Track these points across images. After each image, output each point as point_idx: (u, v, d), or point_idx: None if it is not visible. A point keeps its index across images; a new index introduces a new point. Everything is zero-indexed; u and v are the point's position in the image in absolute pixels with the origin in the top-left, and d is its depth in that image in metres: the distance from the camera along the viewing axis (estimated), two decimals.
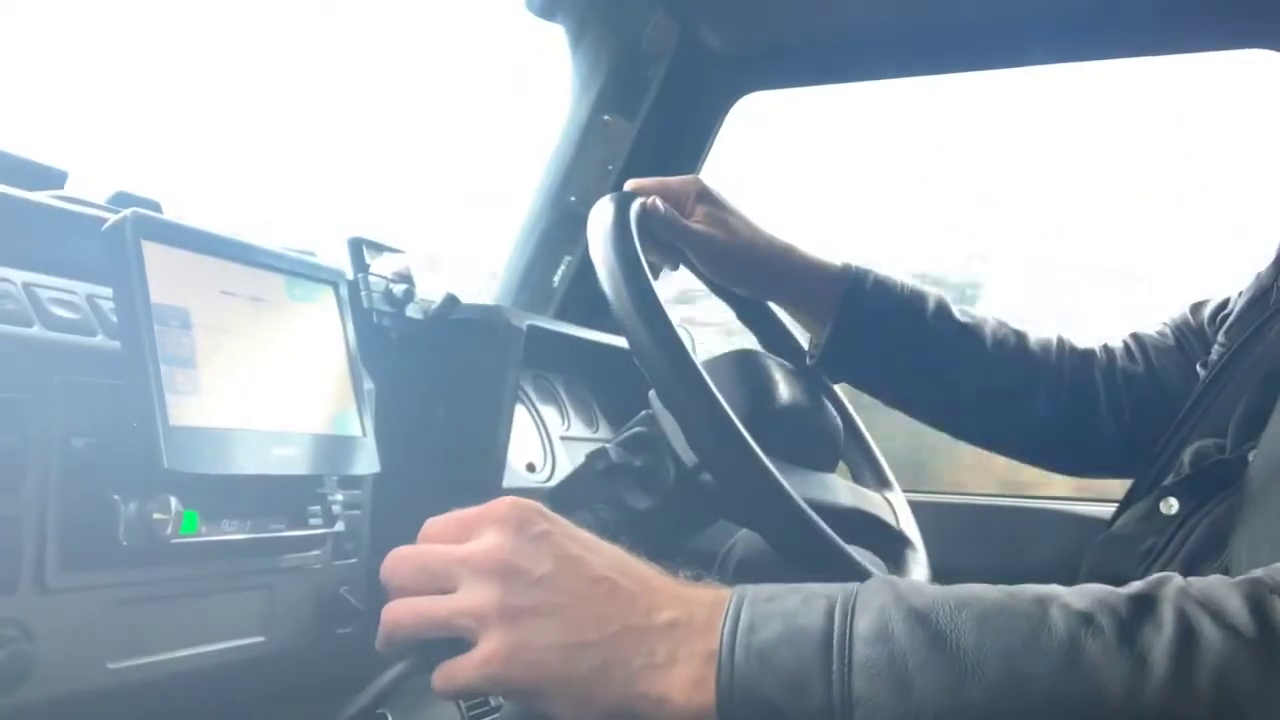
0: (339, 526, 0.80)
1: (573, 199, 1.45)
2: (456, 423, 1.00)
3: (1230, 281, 0.97)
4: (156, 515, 0.64)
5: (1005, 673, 0.46)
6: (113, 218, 0.66)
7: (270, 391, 0.73)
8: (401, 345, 0.96)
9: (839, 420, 0.93)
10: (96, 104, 1.32)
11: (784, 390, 0.86)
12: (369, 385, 0.84)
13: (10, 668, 0.59)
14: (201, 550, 0.69)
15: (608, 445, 0.83)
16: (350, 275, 0.93)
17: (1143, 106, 1.75)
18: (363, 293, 0.94)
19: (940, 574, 0.79)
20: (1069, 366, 1.02)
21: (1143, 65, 1.35)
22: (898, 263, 1.01)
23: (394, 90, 1.72)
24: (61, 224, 0.71)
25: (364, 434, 0.81)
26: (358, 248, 0.96)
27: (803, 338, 1.00)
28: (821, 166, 2.05)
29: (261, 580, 0.76)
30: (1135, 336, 1.06)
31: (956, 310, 0.99)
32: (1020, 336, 1.02)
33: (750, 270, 0.94)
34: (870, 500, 0.90)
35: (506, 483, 1.03)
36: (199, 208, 0.88)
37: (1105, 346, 1.05)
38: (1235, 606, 0.46)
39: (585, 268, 1.41)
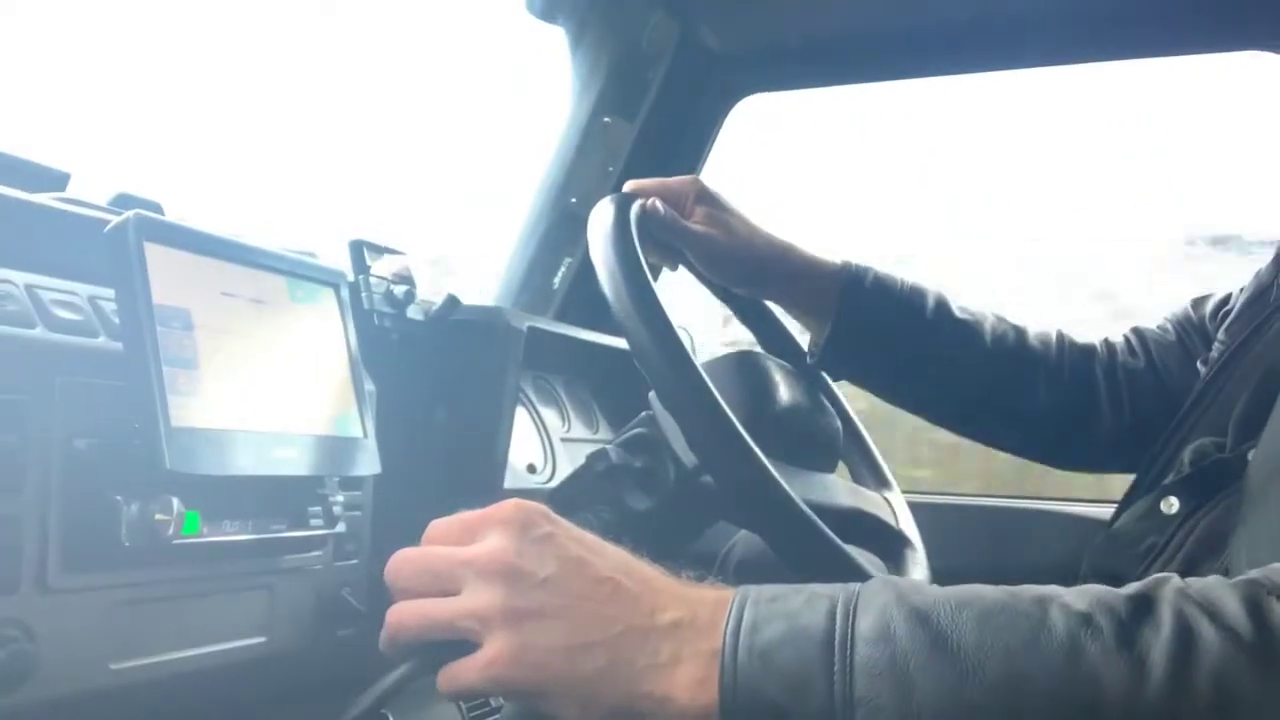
0: (340, 527, 0.80)
1: (573, 200, 1.45)
2: (457, 424, 1.00)
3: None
4: (158, 516, 0.64)
5: (1005, 673, 0.46)
6: (115, 219, 0.66)
7: (271, 392, 0.74)
8: (402, 346, 0.97)
9: (838, 421, 0.93)
10: (98, 106, 1.32)
11: (784, 391, 0.86)
12: (370, 386, 0.84)
13: (12, 668, 0.59)
14: (203, 551, 0.69)
15: (608, 446, 0.83)
16: (351, 277, 0.93)
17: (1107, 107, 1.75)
18: (363, 294, 0.94)
19: (940, 574, 0.79)
20: (1069, 362, 1.02)
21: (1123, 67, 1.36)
22: (898, 262, 1.01)
23: (394, 92, 1.72)
24: (64, 225, 0.71)
25: (365, 435, 0.82)
26: (358, 249, 0.96)
27: (802, 337, 1.01)
28: (822, 167, 2.05)
29: (263, 581, 0.76)
30: (1136, 331, 1.06)
31: (956, 307, 0.99)
32: (1020, 332, 1.02)
33: (749, 270, 0.94)
34: (870, 500, 0.90)
35: (507, 484, 1.03)
36: (200, 209, 0.88)
37: (1106, 341, 1.05)
38: (1233, 608, 0.46)
39: (585, 269, 1.40)
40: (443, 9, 1.71)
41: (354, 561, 0.84)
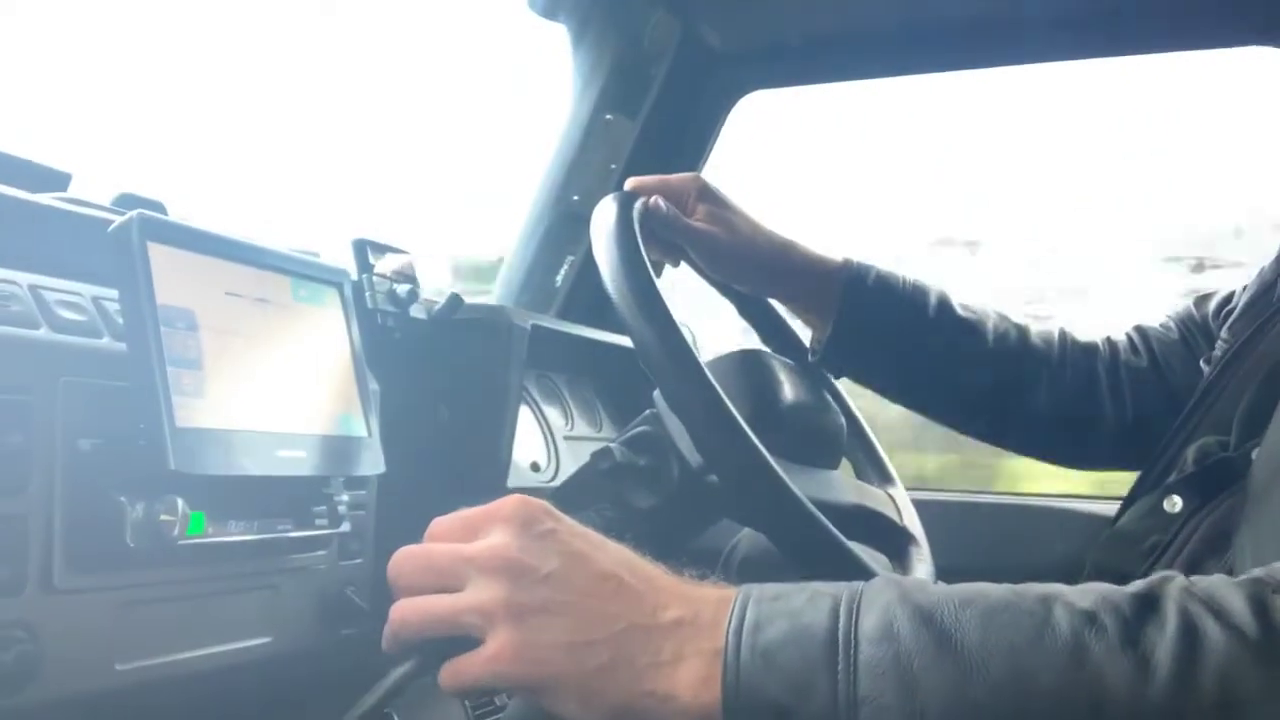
0: (344, 527, 0.80)
1: (575, 198, 1.45)
2: (461, 423, 1.00)
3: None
4: (163, 516, 0.64)
5: (1010, 672, 0.46)
6: (118, 219, 0.66)
7: (276, 392, 0.74)
8: (406, 346, 0.97)
9: (842, 418, 0.93)
10: (100, 106, 1.32)
11: (787, 389, 0.86)
12: (374, 386, 0.84)
13: (17, 668, 0.59)
14: (208, 551, 0.69)
15: (612, 444, 0.83)
16: (354, 276, 0.93)
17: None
18: (367, 293, 0.94)
19: (944, 572, 0.79)
20: (1071, 360, 1.02)
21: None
22: (899, 261, 1.01)
23: (396, 90, 1.72)
24: (67, 226, 0.71)
25: (369, 434, 0.82)
26: (361, 248, 0.96)
27: (804, 334, 1.01)
28: (823, 164, 2.05)
29: (267, 581, 0.77)
30: (1139, 329, 1.06)
31: (958, 305, 0.99)
32: (1022, 330, 1.02)
33: (751, 267, 0.94)
34: (873, 496, 0.90)
35: (511, 482, 1.03)
36: (203, 209, 0.88)
37: (1108, 340, 1.05)
38: (1238, 606, 0.46)
39: (588, 267, 1.40)
40: (444, 7, 1.71)
41: (359, 561, 0.84)
